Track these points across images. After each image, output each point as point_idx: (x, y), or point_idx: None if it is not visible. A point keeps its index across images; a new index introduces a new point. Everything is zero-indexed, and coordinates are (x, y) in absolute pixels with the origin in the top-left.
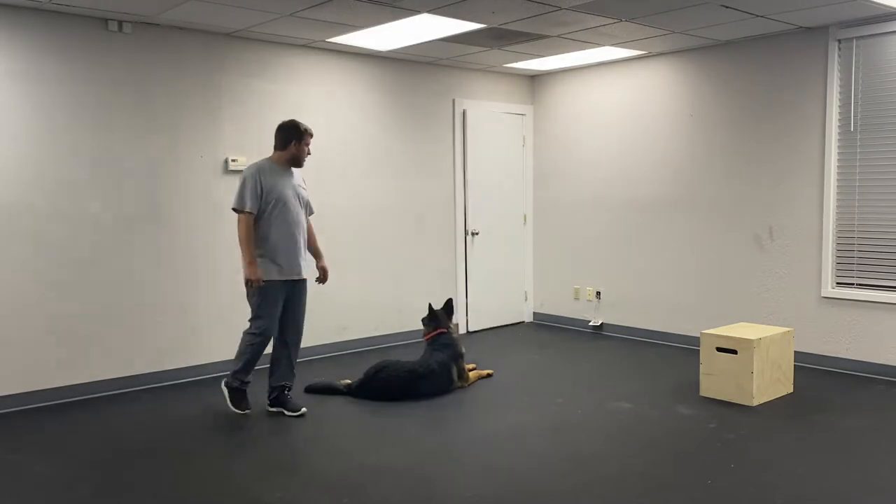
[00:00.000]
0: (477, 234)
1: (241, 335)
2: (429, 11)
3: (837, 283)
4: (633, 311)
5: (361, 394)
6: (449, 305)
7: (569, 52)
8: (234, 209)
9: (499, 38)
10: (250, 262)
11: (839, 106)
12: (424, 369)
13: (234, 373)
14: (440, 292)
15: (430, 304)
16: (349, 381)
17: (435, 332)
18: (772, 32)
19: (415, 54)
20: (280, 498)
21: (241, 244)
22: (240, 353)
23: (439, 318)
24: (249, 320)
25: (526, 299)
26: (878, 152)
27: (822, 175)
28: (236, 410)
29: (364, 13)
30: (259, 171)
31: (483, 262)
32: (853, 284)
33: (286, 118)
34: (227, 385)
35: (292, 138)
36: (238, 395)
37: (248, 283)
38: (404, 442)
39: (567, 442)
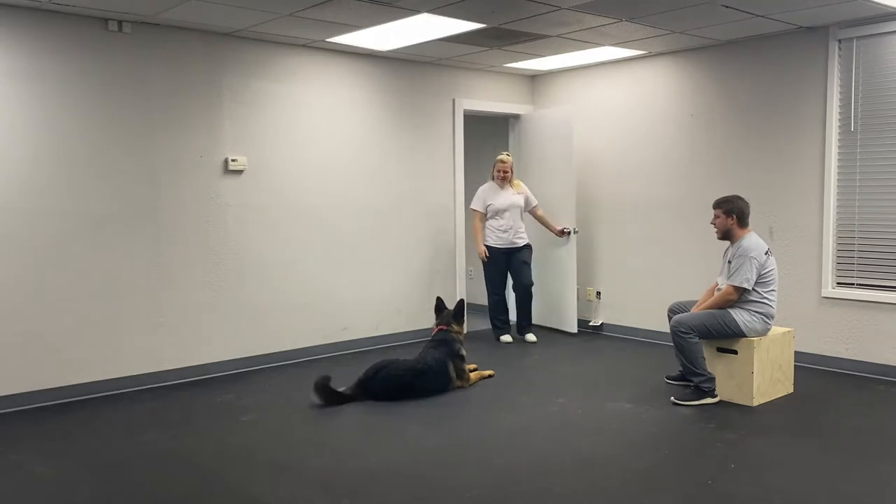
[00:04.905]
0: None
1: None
2: (428, 11)
3: (838, 283)
4: (633, 311)
5: (361, 394)
6: (459, 309)
7: (569, 52)
8: None
9: (499, 38)
10: None
11: (839, 106)
12: (423, 366)
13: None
14: (441, 292)
15: (437, 297)
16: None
17: (436, 329)
18: (772, 32)
19: (415, 54)
20: (280, 498)
21: None
22: None
23: (444, 315)
24: None
25: None
26: (879, 152)
27: (822, 175)
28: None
29: (364, 13)
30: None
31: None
32: (853, 284)
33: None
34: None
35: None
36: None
37: None
38: (404, 442)
39: (567, 442)
